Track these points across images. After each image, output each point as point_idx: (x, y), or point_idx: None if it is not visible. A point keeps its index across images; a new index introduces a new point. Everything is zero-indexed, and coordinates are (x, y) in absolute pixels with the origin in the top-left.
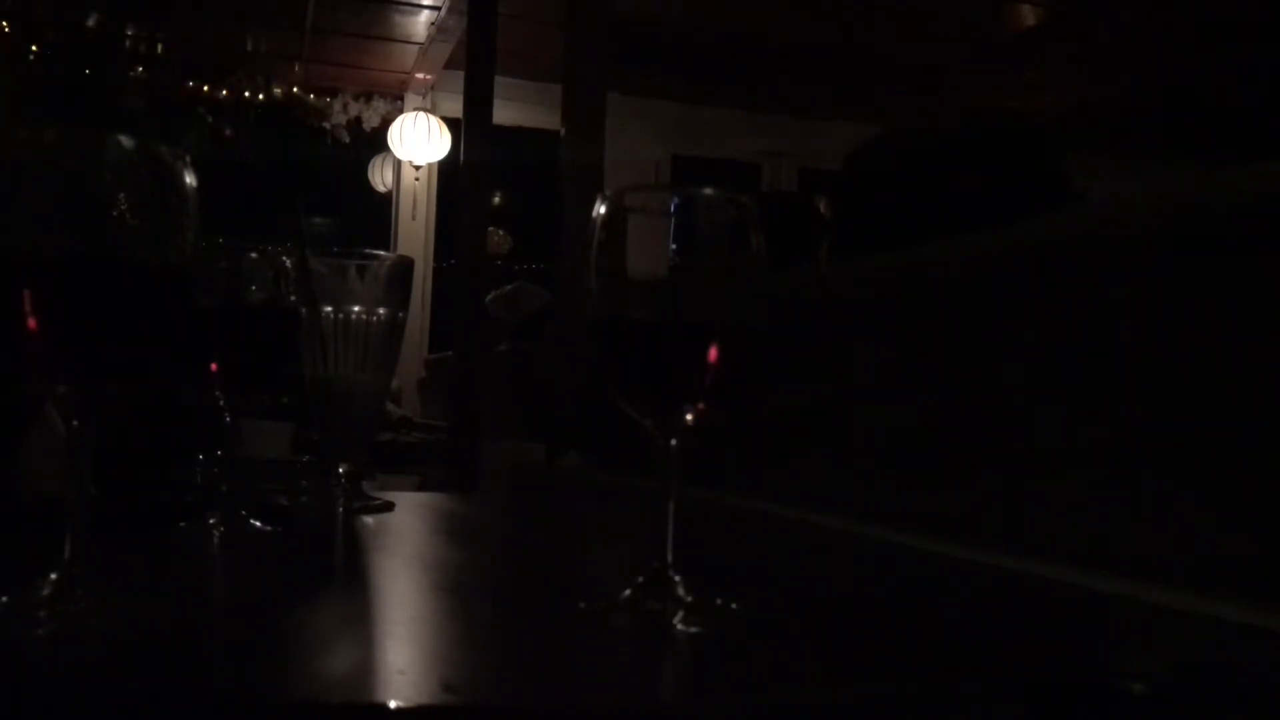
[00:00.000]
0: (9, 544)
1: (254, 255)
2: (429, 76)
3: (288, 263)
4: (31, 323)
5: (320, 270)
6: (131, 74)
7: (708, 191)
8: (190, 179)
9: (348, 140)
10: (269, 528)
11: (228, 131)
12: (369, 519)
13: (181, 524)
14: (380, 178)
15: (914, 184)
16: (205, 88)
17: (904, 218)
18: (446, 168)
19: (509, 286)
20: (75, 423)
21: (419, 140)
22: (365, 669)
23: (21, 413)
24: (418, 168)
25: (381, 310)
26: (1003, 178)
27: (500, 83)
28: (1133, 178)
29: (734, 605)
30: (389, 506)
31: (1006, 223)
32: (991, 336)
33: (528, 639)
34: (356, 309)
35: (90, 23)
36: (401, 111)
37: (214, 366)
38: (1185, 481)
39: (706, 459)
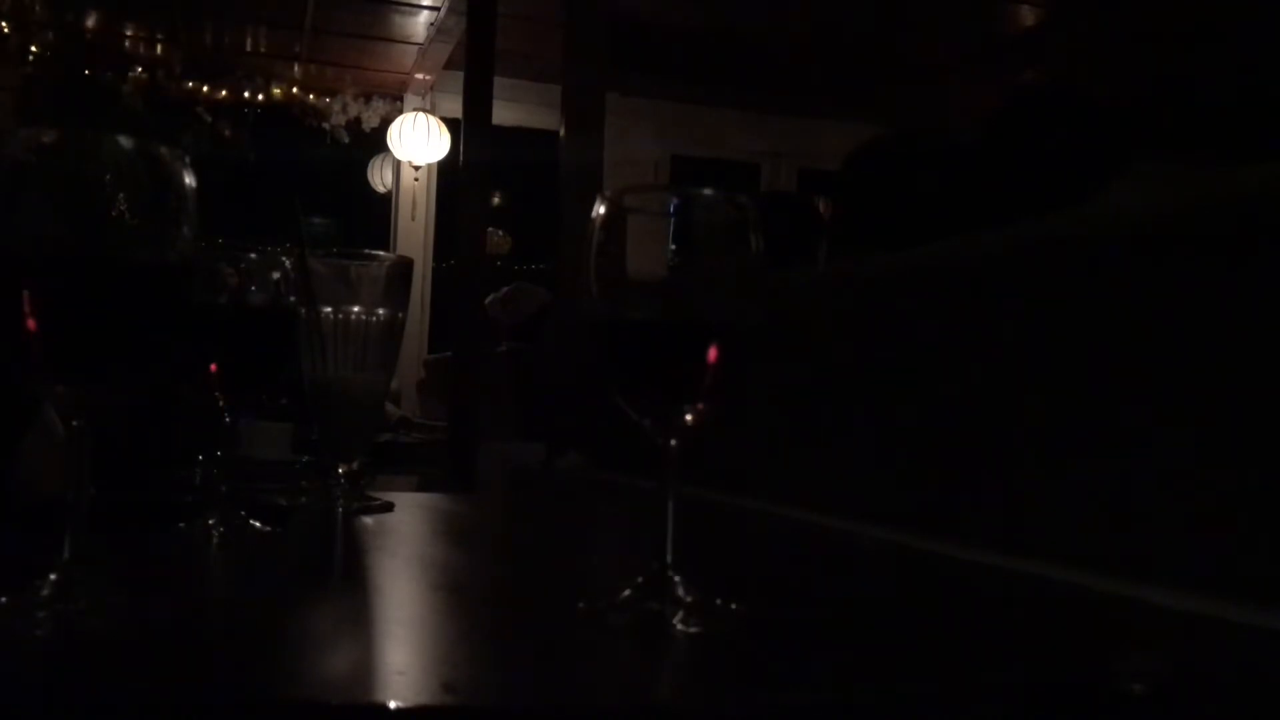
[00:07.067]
0: (9, 544)
1: (254, 255)
2: (428, 77)
3: (287, 263)
4: (31, 323)
5: (319, 270)
6: (131, 74)
7: (707, 192)
8: (190, 179)
9: (347, 140)
10: (269, 528)
11: (227, 131)
12: (368, 519)
13: (181, 524)
14: (380, 178)
15: (913, 184)
16: (205, 88)
17: (903, 218)
18: (446, 168)
19: (506, 288)
20: (75, 423)
21: (419, 141)
22: (365, 669)
23: (21, 413)
24: (417, 168)
25: (381, 311)
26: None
27: (500, 83)
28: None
29: (734, 605)
30: (388, 507)
31: (1007, 222)
32: (991, 336)
33: (528, 639)
34: (355, 309)
35: (90, 23)
36: (401, 112)
37: (213, 367)
38: (1185, 481)
39: (706, 459)
